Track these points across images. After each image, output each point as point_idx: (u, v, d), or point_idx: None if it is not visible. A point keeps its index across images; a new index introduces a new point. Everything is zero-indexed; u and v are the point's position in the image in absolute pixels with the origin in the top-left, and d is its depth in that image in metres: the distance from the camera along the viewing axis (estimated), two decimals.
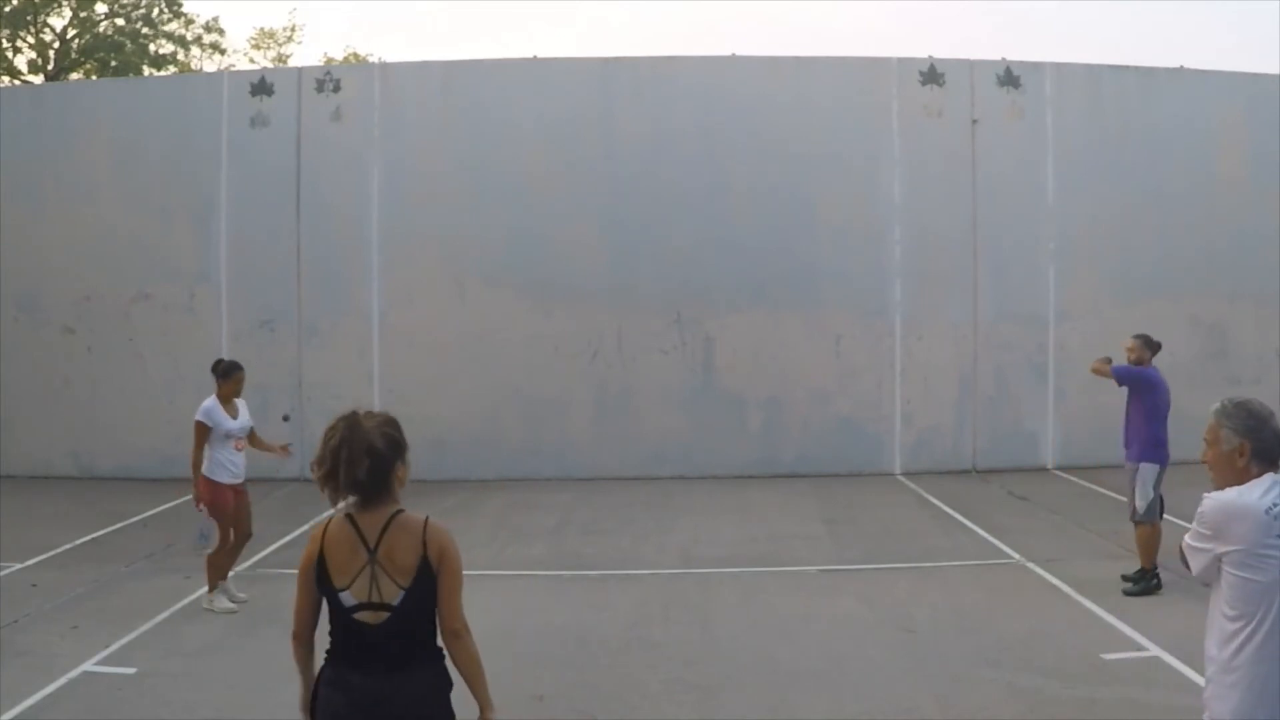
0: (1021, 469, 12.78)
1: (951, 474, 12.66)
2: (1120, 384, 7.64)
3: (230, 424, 7.39)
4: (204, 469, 7.27)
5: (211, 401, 7.47)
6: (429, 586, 2.81)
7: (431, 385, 12.82)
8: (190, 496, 7.46)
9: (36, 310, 13.30)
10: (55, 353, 13.23)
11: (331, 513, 2.92)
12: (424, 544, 2.81)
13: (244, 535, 7.54)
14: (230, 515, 7.30)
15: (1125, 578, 7.46)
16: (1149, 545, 7.39)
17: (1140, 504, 7.40)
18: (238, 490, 7.39)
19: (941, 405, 13.04)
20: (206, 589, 7.37)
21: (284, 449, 7.82)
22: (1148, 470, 7.42)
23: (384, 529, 2.81)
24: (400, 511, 2.85)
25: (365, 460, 2.77)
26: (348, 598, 2.81)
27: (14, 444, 13.12)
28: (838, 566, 8.49)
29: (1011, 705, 5.40)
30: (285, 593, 7.58)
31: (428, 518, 2.86)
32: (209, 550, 7.24)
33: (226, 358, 8.17)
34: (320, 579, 2.85)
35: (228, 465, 7.31)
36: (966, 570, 8.13)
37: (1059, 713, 5.29)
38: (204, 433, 7.30)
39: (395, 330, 12.98)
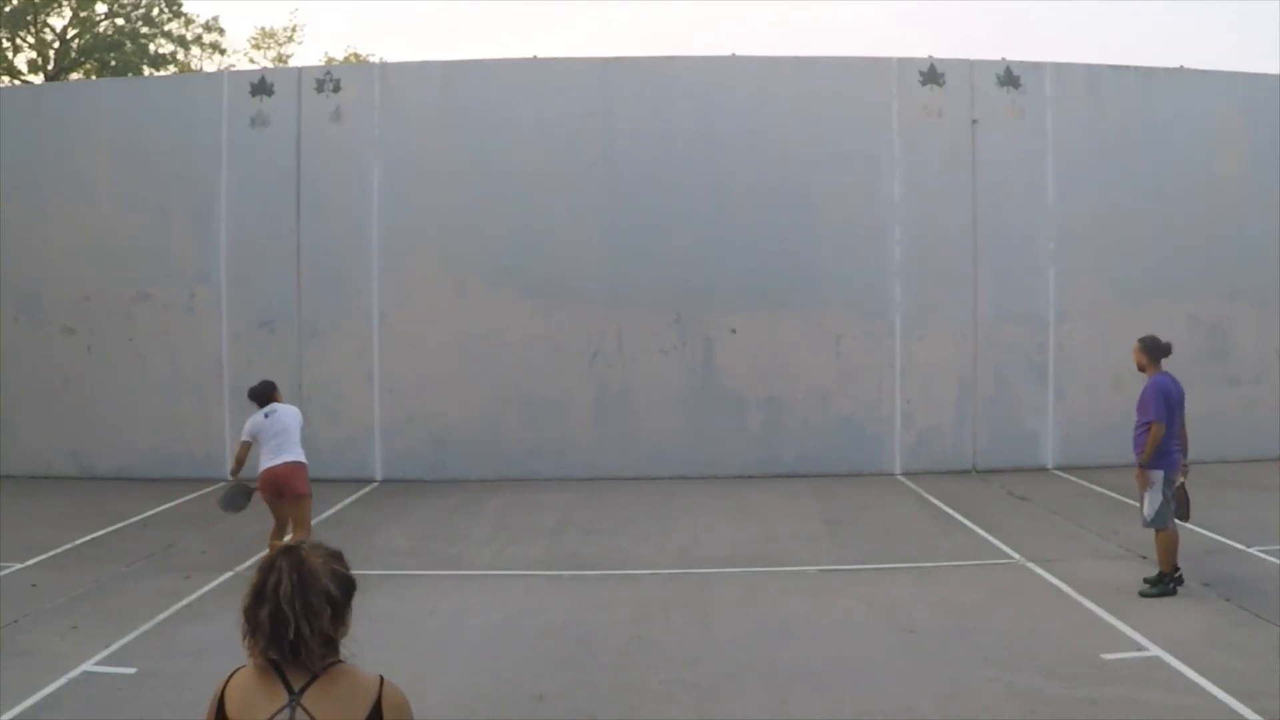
0: (1021, 469, 12.78)
1: (951, 474, 12.66)
2: (1162, 418, 7.54)
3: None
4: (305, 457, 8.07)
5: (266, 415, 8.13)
6: None
7: (431, 385, 12.83)
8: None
9: (36, 310, 13.30)
10: (55, 353, 13.23)
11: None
12: (378, 705, 2.18)
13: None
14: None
15: (1146, 580, 7.44)
16: (1166, 550, 7.37)
17: (1149, 511, 7.37)
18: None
19: (941, 405, 13.04)
20: None
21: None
22: (1156, 477, 7.38)
23: (315, 676, 2.18)
24: (336, 662, 2.22)
25: (326, 608, 2.16)
26: None
27: (14, 444, 13.13)
28: (838, 566, 8.49)
29: (1011, 705, 5.40)
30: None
31: (383, 679, 2.24)
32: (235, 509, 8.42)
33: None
34: None
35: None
36: (966, 570, 8.14)
37: (1059, 713, 5.29)
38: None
39: (395, 330, 12.98)
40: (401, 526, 10.22)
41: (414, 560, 8.89)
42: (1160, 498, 7.37)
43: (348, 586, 2.23)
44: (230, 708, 2.20)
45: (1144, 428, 7.52)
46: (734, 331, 12.95)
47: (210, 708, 2.24)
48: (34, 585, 7.93)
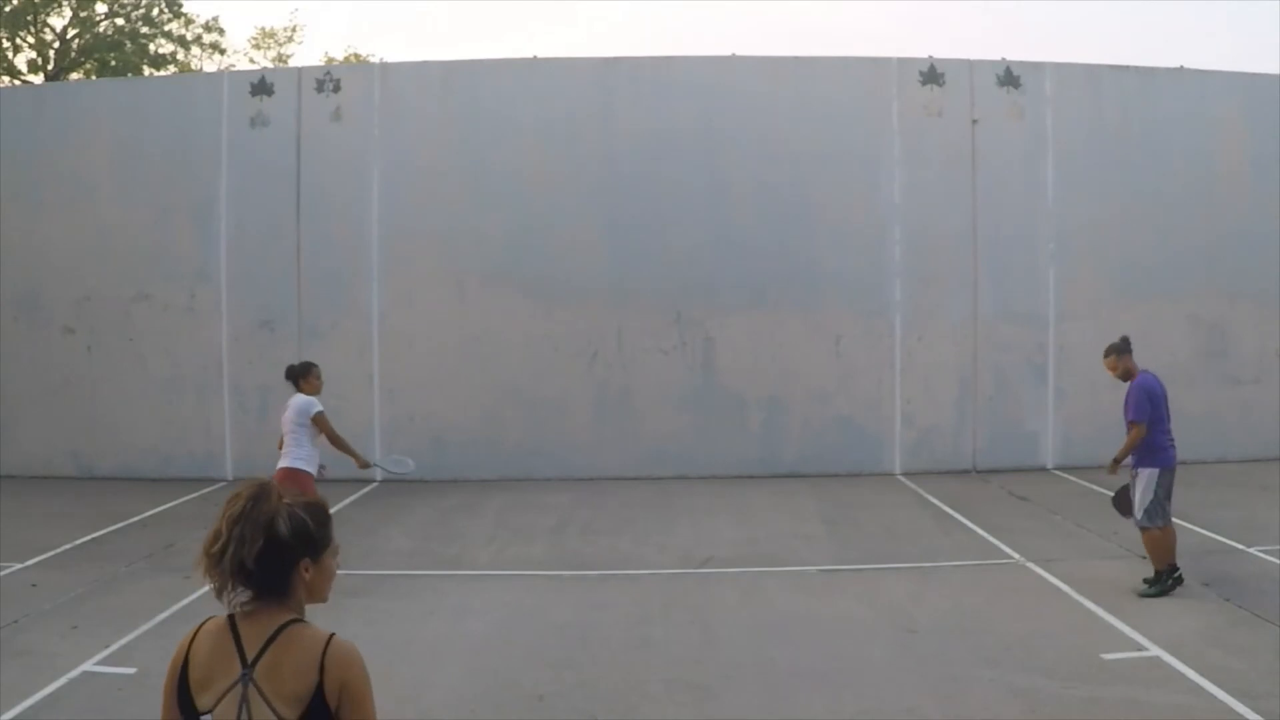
0: (1021, 469, 12.78)
1: (951, 474, 12.66)
2: (1145, 420, 7.54)
3: None
4: (304, 463, 7.58)
5: (306, 396, 7.75)
6: None
7: (431, 385, 12.83)
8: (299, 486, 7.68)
9: (36, 310, 13.30)
10: (55, 353, 13.23)
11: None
12: (321, 669, 2.11)
13: None
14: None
15: (1146, 580, 7.43)
16: (1158, 548, 7.35)
17: (1139, 510, 7.36)
18: (310, 480, 7.73)
19: (941, 405, 13.04)
20: None
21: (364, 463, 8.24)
22: (1147, 475, 7.38)
23: (270, 640, 2.13)
24: (294, 622, 2.17)
25: (259, 541, 2.12)
26: (216, 716, 2.13)
27: (14, 444, 13.13)
28: (838, 566, 8.49)
29: (1011, 705, 5.40)
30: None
31: (332, 636, 2.16)
32: (410, 468, 8.09)
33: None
34: (181, 695, 2.20)
35: (311, 456, 7.72)
36: (966, 570, 8.14)
37: (1059, 713, 5.29)
38: (327, 421, 7.69)
39: (395, 330, 12.98)
40: (401, 526, 10.22)
41: (414, 560, 8.90)
42: (1152, 495, 7.36)
43: (301, 532, 2.17)
44: (193, 669, 2.18)
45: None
46: (709, 338, 12.95)
47: (172, 662, 2.22)
48: (34, 585, 7.93)
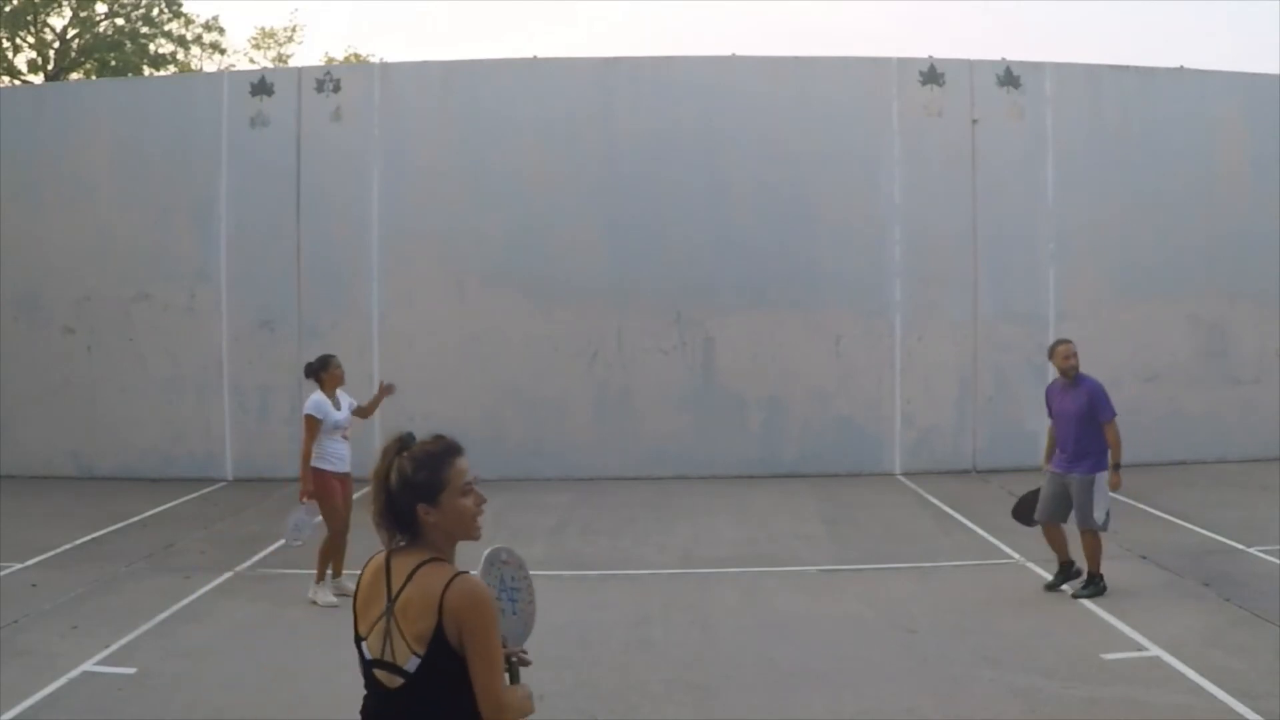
0: (1021, 469, 12.72)
1: (951, 474, 12.66)
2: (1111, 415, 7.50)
3: (337, 415, 7.54)
4: (320, 460, 7.42)
5: (319, 395, 7.55)
6: (453, 664, 2.29)
7: (431, 385, 12.81)
8: (289, 489, 7.61)
9: (36, 310, 13.30)
10: (55, 353, 13.22)
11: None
12: (440, 610, 2.29)
13: (344, 525, 7.58)
14: (339, 505, 7.45)
15: (1073, 589, 7.36)
16: (1098, 551, 7.36)
17: (1100, 513, 7.33)
18: (343, 479, 7.50)
19: (941, 405, 13.04)
20: (315, 578, 7.45)
21: (385, 388, 8.10)
22: (1102, 479, 7.36)
23: (409, 577, 2.36)
24: (430, 561, 2.37)
25: (382, 495, 2.41)
26: (366, 649, 2.41)
27: (14, 444, 13.12)
28: (838, 566, 8.49)
29: (1011, 705, 5.40)
30: (285, 593, 7.61)
31: (455, 575, 2.33)
32: (298, 544, 7.46)
33: (311, 356, 8.12)
34: (355, 619, 2.47)
35: (334, 456, 7.45)
36: (966, 570, 8.14)
37: (1059, 713, 5.29)
38: (315, 426, 7.41)
39: (395, 330, 12.98)
40: None
41: None
42: (1108, 498, 7.35)
43: (404, 482, 2.39)
44: (359, 597, 2.46)
45: (1100, 428, 7.38)
46: (709, 338, 12.95)
47: (354, 592, 2.51)
48: (34, 585, 7.93)
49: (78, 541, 9.46)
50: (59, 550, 9.11)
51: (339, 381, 7.70)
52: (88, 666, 6.10)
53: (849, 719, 5.32)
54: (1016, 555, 8.59)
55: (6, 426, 13.16)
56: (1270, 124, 13.09)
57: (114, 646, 6.46)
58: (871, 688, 5.73)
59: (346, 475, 7.52)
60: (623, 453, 12.82)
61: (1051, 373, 7.77)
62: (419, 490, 2.38)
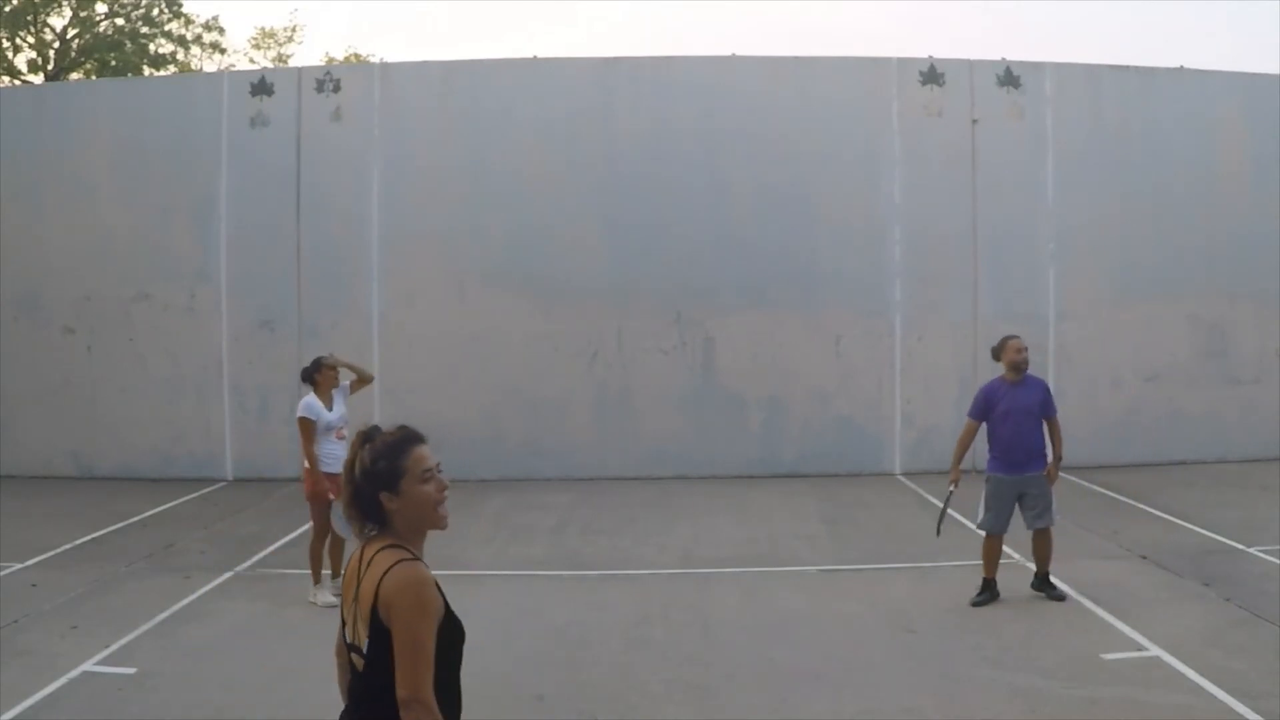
0: None
1: None
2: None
3: (329, 416, 7.57)
4: (318, 462, 7.44)
5: (310, 397, 7.60)
6: (387, 645, 2.38)
7: (431, 385, 12.82)
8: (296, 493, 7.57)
9: (36, 310, 13.30)
10: (55, 353, 13.22)
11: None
12: (375, 595, 2.39)
13: None
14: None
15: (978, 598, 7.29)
16: (1050, 550, 7.35)
17: (1056, 511, 7.34)
18: (336, 479, 7.39)
19: (941, 405, 13.02)
20: (312, 580, 7.46)
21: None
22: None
23: (369, 564, 2.46)
24: (385, 548, 2.46)
25: (350, 486, 2.51)
26: (346, 634, 2.54)
27: (14, 444, 13.12)
28: (838, 566, 8.49)
29: (1011, 705, 5.40)
30: (285, 593, 7.61)
31: (396, 563, 2.41)
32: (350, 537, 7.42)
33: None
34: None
35: (328, 456, 7.43)
36: (966, 570, 8.12)
37: (1059, 713, 5.29)
38: (310, 428, 7.46)
39: (395, 330, 12.98)
40: None
41: None
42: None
43: (367, 473, 2.48)
44: (345, 584, 2.56)
45: (1048, 423, 7.34)
46: (709, 338, 12.95)
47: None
48: (34, 585, 7.93)
49: (78, 541, 9.46)
50: (59, 550, 9.11)
51: (333, 382, 7.73)
52: (88, 666, 6.11)
53: (849, 719, 5.32)
54: (1016, 555, 8.58)
55: (6, 426, 13.17)
56: (1270, 124, 13.09)
57: (114, 646, 6.46)
58: (871, 688, 5.73)
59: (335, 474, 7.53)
60: (623, 453, 12.81)
61: (1051, 373, 7.69)
62: (380, 479, 2.46)
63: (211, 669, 6.15)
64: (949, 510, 7.57)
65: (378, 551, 2.45)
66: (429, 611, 2.38)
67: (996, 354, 7.57)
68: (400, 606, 2.35)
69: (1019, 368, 7.39)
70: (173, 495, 11.73)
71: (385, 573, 2.38)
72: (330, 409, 7.59)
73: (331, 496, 7.34)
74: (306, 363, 8.01)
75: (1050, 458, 7.38)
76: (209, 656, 6.36)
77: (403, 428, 2.55)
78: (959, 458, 7.46)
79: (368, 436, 2.52)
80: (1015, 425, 7.23)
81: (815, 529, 9.91)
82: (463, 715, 2.55)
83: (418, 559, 2.46)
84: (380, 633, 2.37)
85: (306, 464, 7.50)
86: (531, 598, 7.63)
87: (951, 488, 7.41)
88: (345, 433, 7.61)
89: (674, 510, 10.82)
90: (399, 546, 2.46)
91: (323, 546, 7.52)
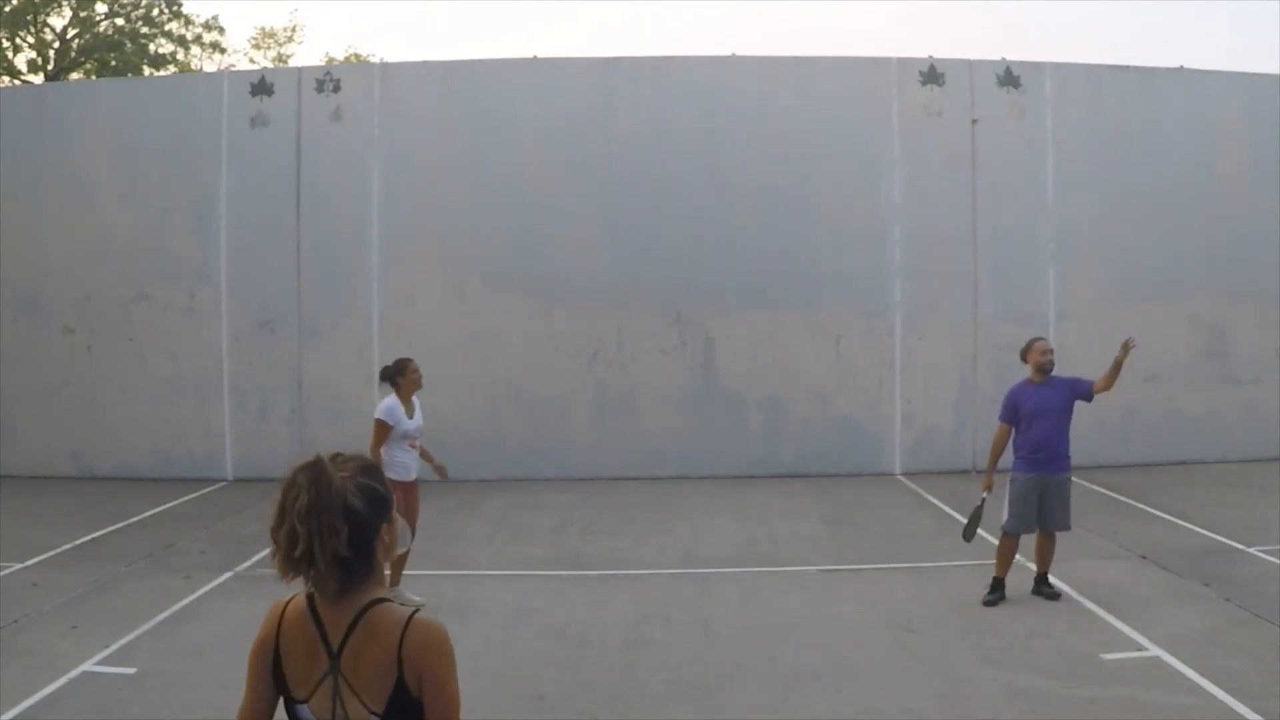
0: None
1: (951, 474, 12.64)
2: None
3: (409, 424, 7.27)
4: (390, 469, 7.03)
5: (393, 400, 7.28)
6: (416, 714, 2.02)
7: (431, 385, 12.63)
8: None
9: (36, 310, 13.30)
10: (55, 353, 13.22)
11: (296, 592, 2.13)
12: (399, 658, 2.00)
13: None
14: (401, 515, 7.24)
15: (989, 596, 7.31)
16: (1052, 553, 7.35)
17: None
18: (408, 488, 7.17)
19: (941, 405, 13.03)
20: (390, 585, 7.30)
21: (442, 470, 7.66)
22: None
23: (352, 626, 2.02)
24: (378, 603, 2.05)
25: (343, 528, 1.98)
26: (306, 714, 2.05)
27: (14, 444, 13.12)
28: (838, 566, 8.49)
29: (1011, 705, 5.40)
30: (284, 593, 7.60)
31: (413, 614, 2.04)
32: (405, 549, 7.22)
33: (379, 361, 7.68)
34: (276, 676, 2.09)
35: (401, 464, 7.17)
36: (966, 570, 8.12)
37: (1059, 713, 5.29)
38: (385, 431, 7.13)
39: (395, 330, 12.96)
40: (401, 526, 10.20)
41: (414, 560, 8.85)
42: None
43: (376, 501, 2.06)
44: (285, 655, 2.07)
45: (1094, 390, 7.33)
46: (709, 338, 12.94)
47: (262, 640, 2.10)
48: (35, 585, 7.93)
49: (78, 541, 9.46)
50: (59, 550, 9.11)
51: (416, 386, 7.43)
52: (88, 666, 6.11)
53: (849, 719, 5.32)
54: (1017, 555, 8.58)
55: (6, 426, 13.16)
56: (1270, 124, 13.09)
57: (114, 646, 6.46)
58: (871, 688, 5.73)
59: (413, 484, 7.27)
60: (623, 453, 12.81)
61: (1051, 373, 7.66)
62: (385, 506, 2.10)
63: (211, 669, 6.14)
64: (980, 513, 7.51)
65: (369, 607, 2.03)
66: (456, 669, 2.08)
67: (1024, 355, 7.60)
68: (440, 667, 2.03)
69: (1044, 369, 7.45)
70: (173, 495, 11.73)
71: (406, 630, 2.01)
72: (411, 416, 7.30)
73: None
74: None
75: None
76: (209, 656, 6.36)
77: (341, 452, 2.14)
78: (993, 463, 7.50)
79: (331, 460, 2.07)
80: (1041, 426, 7.28)
81: (815, 529, 9.91)
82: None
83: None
84: (403, 704, 2.00)
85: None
86: (531, 598, 7.63)
87: (985, 494, 7.43)
88: (419, 442, 7.37)
89: (674, 510, 10.82)
90: (386, 599, 2.07)
91: (402, 555, 7.28)
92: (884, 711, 5.40)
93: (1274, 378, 13.14)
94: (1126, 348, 7.06)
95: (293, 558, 1.97)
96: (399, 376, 7.37)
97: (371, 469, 2.12)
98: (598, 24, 49.89)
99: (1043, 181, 13.07)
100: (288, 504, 2.00)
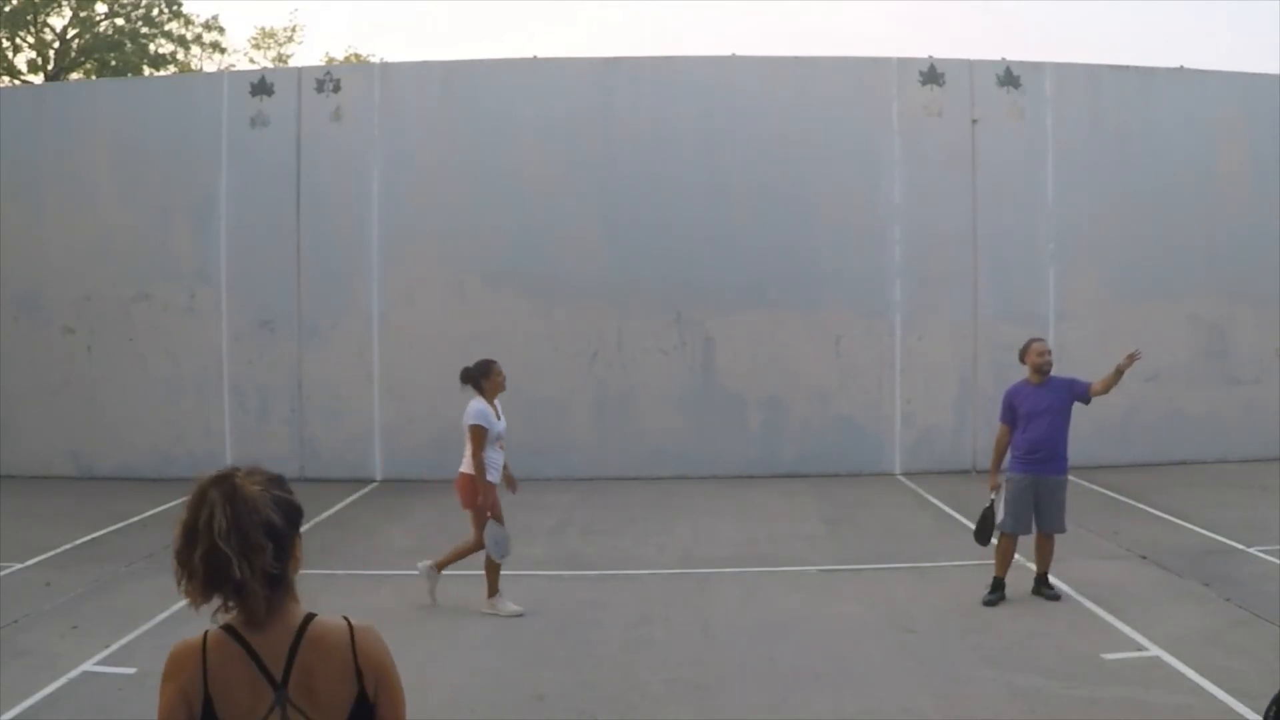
0: None
1: (951, 474, 12.65)
2: None
3: (499, 425, 7.29)
4: (471, 471, 7.16)
5: (483, 404, 7.26)
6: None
7: (432, 385, 12.78)
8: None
9: (36, 310, 13.30)
10: (55, 353, 13.22)
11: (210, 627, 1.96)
12: (356, 665, 1.92)
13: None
14: (496, 517, 7.22)
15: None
16: (1051, 553, 7.36)
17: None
18: (489, 489, 7.25)
19: (941, 405, 13.03)
20: (486, 594, 7.22)
21: (513, 482, 7.66)
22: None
23: (294, 648, 1.90)
24: (310, 618, 1.94)
25: (268, 544, 1.84)
26: None
27: (14, 444, 13.12)
28: (838, 566, 8.49)
29: (1011, 705, 5.40)
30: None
31: (351, 627, 1.95)
32: (506, 557, 7.17)
33: (479, 361, 7.65)
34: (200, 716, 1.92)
35: (494, 466, 7.21)
36: (966, 570, 8.12)
37: (1059, 713, 5.29)
38: (483, 435, 7.13)
39: (395, 330, 12.98)
40: (402, 526, 10.22)
41: (414, 560, 8.87)
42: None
43: (293, 513, 1.93)
44: (217, 699, 1.89)
45: (1091, 392, 7.32)
46: (709, 338, 12.94)
47: (175, 694, 1.95)
48: (48, 584, 7.92)
49: (78, 541, 9.46)
50: (59, 550, 9.11)
51: (501, 388, 7.39)
52: (88, 666, 6.11)
53: (849, 719, 5.32)
54: (1016, 555, 8.57)
55: (6, 426, 13.16)
56: (1270, 124, 13.08)
57: (114, 646, 6.46)
58: (871, 688, 5.73)
59: (494, 485, 7.31)
60: (623, 453, 12.81)
61: (1051, 374, 7.66)
62: (300, 517, 1.96)
63: None
64: (994, 512, 7.45)
65: (304, 624, 1.92)
66: None
67: (1022, 355, 7.59)
68: (391, 673, 1.97)
69: (1042, 370, 7.43)
70: (173, 495, 11.68)
71: (353, 637, 1.93)
72: (499, 418, 7.30)
73: (491, 517, 7.15)
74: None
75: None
76: None
77: (239, 467, 1.96)
78: (997, 464, 7.50)
79: (231, 479, 1.89)
80: (1038, 427, 7.28)
81: (815, 529, 9.91)
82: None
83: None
84: (364, 713, 1.92)
85: (466, 472, 7.19)
86: (531, 598, 7.63)
87: (994, 495, 7.41)
88: (504, 442, 7.35)
89: (674, 510, 10.82)
90: (311, 612, 1.96)
91: (468, 553, 7.23)
92: (884, 711, 5.40)
93: (1274, 378, 13.14)
94: (1132, 359, 7.04)
95: (216, 582, 1.83)
96: (484, 379, 7.34)
97: (280, 480, 1.96)
98: (598, 24, 49.89)
99: (1043, 181, 13.07)
100: (201, 524, 1.83)
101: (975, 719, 5.27)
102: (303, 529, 1.98)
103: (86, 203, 13.19)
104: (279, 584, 1.90)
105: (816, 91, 13.05)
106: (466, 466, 7.28)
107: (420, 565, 7.45)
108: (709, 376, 13.03)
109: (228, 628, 1.91)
